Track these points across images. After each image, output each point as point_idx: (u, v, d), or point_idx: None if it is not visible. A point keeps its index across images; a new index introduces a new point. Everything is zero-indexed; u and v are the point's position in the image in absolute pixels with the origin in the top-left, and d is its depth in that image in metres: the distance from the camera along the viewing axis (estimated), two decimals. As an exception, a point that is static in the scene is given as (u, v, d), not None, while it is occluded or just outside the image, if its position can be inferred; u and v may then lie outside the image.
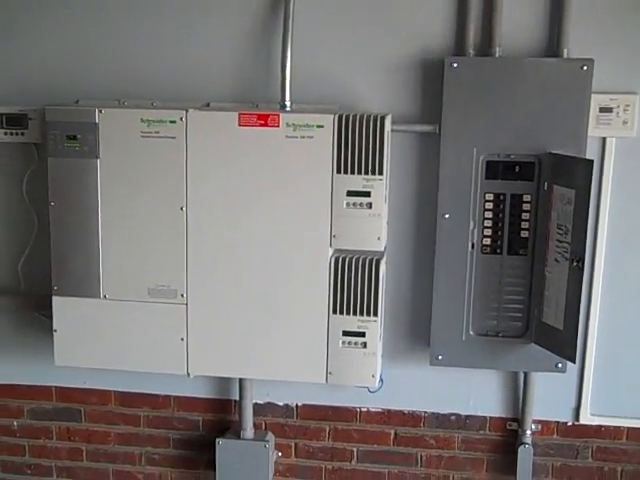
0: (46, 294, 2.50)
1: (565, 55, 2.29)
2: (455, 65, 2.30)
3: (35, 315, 2.69)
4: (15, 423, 2.90)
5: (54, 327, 2.48)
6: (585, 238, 2.17)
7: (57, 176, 2.38)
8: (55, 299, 2.46)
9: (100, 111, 2.32)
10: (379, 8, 2.40)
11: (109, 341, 2.47)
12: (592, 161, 2.13)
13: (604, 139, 2.36)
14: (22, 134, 2.57)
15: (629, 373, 2.53)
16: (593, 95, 2.26)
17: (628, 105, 2.30)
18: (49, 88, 2.57)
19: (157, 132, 2.31)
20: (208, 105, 2.48)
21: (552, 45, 2.33)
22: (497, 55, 2.33)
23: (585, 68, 2.23)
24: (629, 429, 2.57)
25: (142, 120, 2.31)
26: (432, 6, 2.38)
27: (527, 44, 2.34)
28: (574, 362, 2.27)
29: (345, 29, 2.42)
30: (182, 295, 2.40)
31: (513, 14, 2.33)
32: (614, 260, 2.45)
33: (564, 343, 2.27)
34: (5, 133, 2.58)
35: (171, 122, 2.30)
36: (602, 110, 2.31)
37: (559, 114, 2.27)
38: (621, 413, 2.56)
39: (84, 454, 2.89)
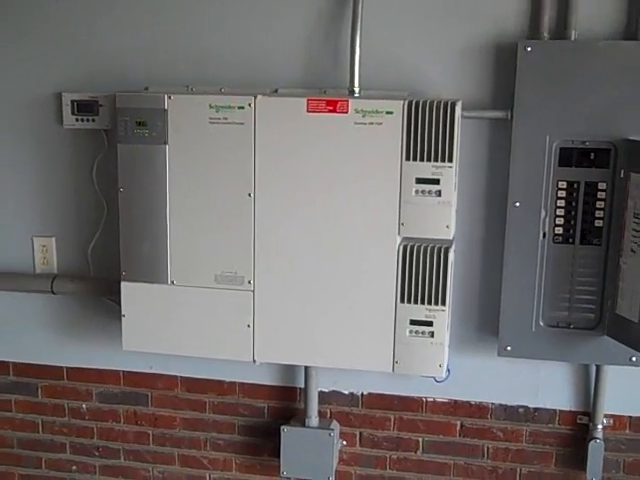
0: (115, 280, 2.53)
1: (643, 38, 2.22)
2: (529, 49, 2.24)
3: (104, 300, 2.74)
4: (84, 406, 2.94)
5: (122, 312, 2.51)
6: (663, 228, 2.11)
7: (126, 162, 2.40)
8: (124, 284, 2.49)
9: (169, 97, 2.33)
10: (450, -8, 2.36)
11: (176, 327, 2.49)
12: (672, 148, 2.06)
13: (684, 125, 2.28)
14: (92, 120, 2.59)
15: None
16: (674, 79, 2.19)
17: None
18: (119, 75, 2.58)
19: (225, 118, 2.31)
20: (276, 91, 2.46)
21: (630, 28, 2.25)
22: (573, 38, 2.26)
23: (665, 51, 2.17)
24: None
25: (210, 106, 2.31)
26: (505, -11, 2.33)
27: (604, 27, 2.27)
28: (649, 355, 2.22)
29: (415, 13, 2.38)
30: (249, 282, 2.40)
31: (589, -4, 2.27)
32: (693, 251, 2.37)
33: (639, 336, 2.21)
34: (76, 119, 2.61)
35: (239, 108, 2.30)
36: (683, 95, 2.23)
37: (636, 99, 2.20)
38: (696, 408, 2.49)
39: (150, 438, 2.93)
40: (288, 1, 2.46)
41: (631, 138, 2.21)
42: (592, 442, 2.52)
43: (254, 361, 2.46)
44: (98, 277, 2.75)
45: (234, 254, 2.40)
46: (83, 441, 2.98)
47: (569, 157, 2.29)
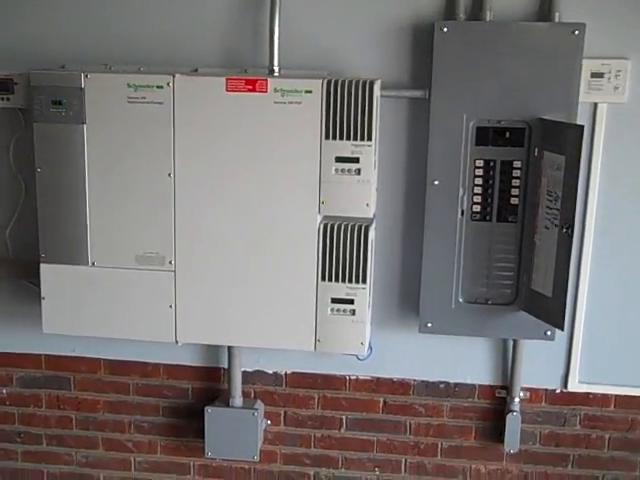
0: (34, 261, 2.48)
1: (556, 19, 2.27)
2: (445, 29, 2.27)
3: (23, 283, 2.68)
4: (4, 391, 2.89)
5: (42, 294, 2.47)
6: (575, 205, 2.16)
7: (43, 142, 2.36)
8: (43, 266, 2.45)
9: (86, 76, 2.29)
10: (369, -28, 2.37)
11: (97, 309, 2.46)
12: (582, 127, 2.12)
13: (595, 105, 2.34)
14: (8, 99, 2.53)
15: (617, 341, 2.53)
16: (584, 60, 2.23)
17: (619, 70, 2.28)
18: (36, 53, 2.53)
19: (144, 97, 2.28)
20: (196, 70, 2.44)
21: (543, 9, 2.30)
22: (488, 19, 2.30)
23: (576, 33, 2.21)
24: (616, 396, 2.58)
25: (129, 85, 2.28)
26: (422, -30, 2.35)
27: (518, 8, 2.31)
28: (562, 330, 2.28)
29: (335, -7, 2.40)
30: (170, 262, 2.39)
31: (505, -23, 2.31)
32: (604, 227, 2.44)
33: (553, 311, 2.27)
34: (-9, 98, 2.55)
35: (158, 87, 2.27)
36: (593, 75, 2.28)
37: (550, 79, 2.25)
38: (609, 381, 2.56)
39: (73, 422, 2.89)
40: (207, -21, 2.44)
41: (544, 117, 2.26)
42: (509, 415, 2.59)
43: (176, 342, 2.45)
44: (17, 259, 2.70)
45: (155, 234, 2.38)
46: (4, 427, 2.93)
47: (485, 136, 2.34)
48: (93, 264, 2.43)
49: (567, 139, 2.16)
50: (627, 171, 2.40)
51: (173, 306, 2.42)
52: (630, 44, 2.29)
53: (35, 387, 2.87)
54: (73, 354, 2.81)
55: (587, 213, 2.42)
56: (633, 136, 2.37)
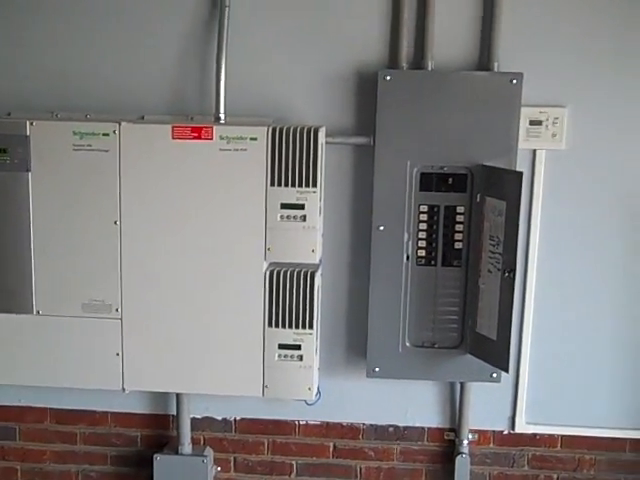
0: (-22, 310, 2.45)
1: (495, 69, 2.33)
2: (388, 78, 2.32)
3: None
4: (-53, 443, 2.84)
5: (-14, 344, 2.43)
6: (516, 249, 2.20)
7: (-13, 190, 2.35)
8: (-13, 315, 2.42)
9: (31, 123, 2.29)
10: (313, 22, 2.41)
11: (43, 357, 2.43)
12: (521, 173, 2.16)
13: (534, 151, 2.40)
14: (-49, 147, 2.51)
15: (562, 381, 2.56)
16: (523, 108, 2.30)
17: (557, 118, 2.35)
18: (-20, 100, 2.53)
19: (90, 145, 2.28)
20: (143, 118, 2.46)
21: (483, 59, 2.36)
22: (429, 68, 2.35)
23: (515, 82, 2.27)
24: (563, 436, 2.61)
25: (74, 133, 2.28)
26: (366, 20, 2.39)
27: (459, 57, 2.37)
28: (507, 372, 2.31)
29: (280, 42, 2.43)
30: (117, 310, 2.37)
31: (445, 28, 2.36)
32: (546, 270, 2.48)
33: (497, 353, 2.30)
34: None
35: (104, 135, 2.27)
36: (532, 123, 2.35)
37: (490, 127, 2.30)
38: (555, 421, 2.59)
39: (19, 473, 2.83)
40: (154, 28, 2.46)
41: (485, 164, 2.31)
42: (459, 457, 2.60)
43: (123, 389, 2.42)
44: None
45: (101, 282, 2.37)
46: (-53, 479, 2.87)
47: (429, 182, 2.38)
48: (38, 312, 2.40)
49: (507, 185, 2.21)
50: (567, 215, 2.45)
51: (120, 354, 2.40)
52: (566, 92, 2.36)
53: (-20, 438, 2.83)
54: (19, 404, 2.76)
55: (529, 257, 2.46)
56: (572, 181, 2.42)
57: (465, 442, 2.60)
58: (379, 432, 2.68)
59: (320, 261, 2.36)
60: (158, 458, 2.65)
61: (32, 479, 2.83)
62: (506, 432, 2.63)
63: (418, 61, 2.37)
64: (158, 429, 2.75)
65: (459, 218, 2.39)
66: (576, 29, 2.35)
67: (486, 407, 2.59)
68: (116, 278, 2.35)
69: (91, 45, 2.48)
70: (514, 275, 2.21)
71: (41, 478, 2.83)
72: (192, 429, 2.68)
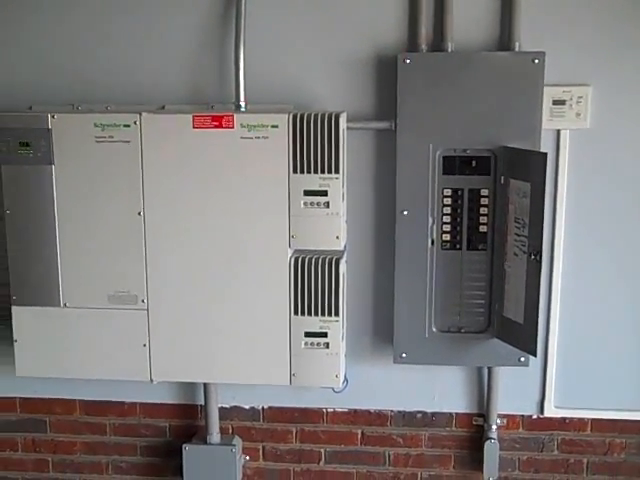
0: (5, 304, 2.46)
1: (517, 49, 2.30)
2: (408, 61, 2.30)
3: (-5, 325, 2.67)
4: (-21, 436, 2.87)
5: (14, 337, 2.45)
6: (542, 231, 2.17)
7: (11, 184, 2.36)
8: (14, 309, 2.44)
9: (52, 116, 2.30)
10: (331, 6, 2.40)
11: (71, 350, 2.45)
12: (546, 154, 2.13)
13: (558, 131, 2.37)
14: (-26, 142, 2.53)
15: (590, 365, 2.53)
16: (546, 88, 2.27)
17: (581, 97, 2.32)
18: (2, 95, 2.54)
19: (111, 136, 2.29)
20: (163, 108, 2.46)
21: (504, 39, 2.34)
22: (449, 50, 2.33)
23: (537, 61, 2.24)
24: (592, 420, 2.59)
25: (95, 125, 2.29)
26: (384, 3, 2.37)
27: (479, 39, 2.35)
28: (535, 355, 2.28)
29: (298, 28, 2.42)
30: (143, 301, 2.38)
31: (464, 9, 2.33)
32: (572, 252, 2.46)
33: (525, 337, 2.28)
34: (-43, 141, 2.55)
35: (125, 126, 2.28)
36: (555, 103, 2.32)
37: (513, 108, 2.27)
38: (584, 405, 2.57)
39: (50, 465, 2.86)
40: (172, 17, 2.46)
41: (509, 145, 2.28)
42: (487, 442, 2.59)
43: (151, 380, 2.43)
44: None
45: (126, 273, 2.37)
46: (-20, 472, 2.90)
47: (452, 165, 2.36)
48: (65, 305, 2.41)
49: (531, 166, 2.18)
50: (592, 195, 2.42)
51: (147, 344, 2.40)
52: (590, 71, 2.33)
53: (10, 431, 2.84)
54: (48, 396, 2.79)
55: (555, 239, 2.44)
56: (597, 161, 2.39)
57: (494, 427, 2.59)
58: (407, 418, 2.67)
59: (344, 247, 2.35)
60: (187, 448, 2.66)
61: (63, 470, 2.86)
62: (535, 416, 2.61)
63: (438, 43, 2.35)
64: (186, 419, 2.77)
65: (483, 201, 2.36)
66: (597, 6, 2.31)
67: (514, 392, 2.57)
68: (141, 269, 2.36)
69: (110, 37, 2.49)
70: (540, 258, 2.18)
71: (72, 469, 2.85)
72: (220, 418, 2.69)
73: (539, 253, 2.18)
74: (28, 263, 2.40)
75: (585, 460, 2.63)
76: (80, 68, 2.52)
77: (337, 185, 2.24)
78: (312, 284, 2.31)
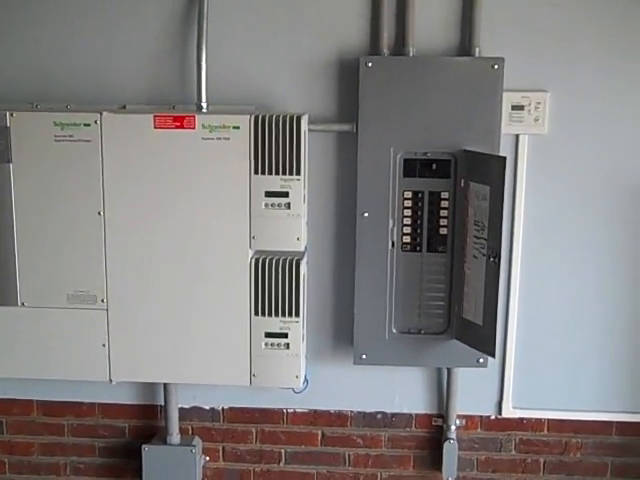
0: (-38, 303, 2.44)
1: (477, 54, 2.33)
2: (370, 64, 2.31)
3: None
4: None
5: (-29, 337, 2.42)
6: (500, 234, 2.20)
7: (-32, 182, 2.34)
8: (-29, 309, 2.41)
9: (11, 114, 2.27)
10: (294, 8, 2.40)
11: (29, 349, 2.43)
12: (505, 158, 2.16)
13: (517, 136, 2.40)
14: None
15: (548, 366, 2.57)
16: (505, 93, 2.30)
17: (539, 102, 2.35)
18: (-40, 92, 2.52)
19: (71, 135, 2.27)
20: (124, 107, 2.45)
21: (464, 44, 2.36)
22: (411, 54, 2.35)
23: (496, 67, 2.27)
24: (549, 420, 2.62)
25: (55, 123, 2.27)
26: (347, 6, 2.38)
27: (440, 44, 2.37)
28: (494, 357, 2.31)
29: (261, 29, 2.41)
30: (102, 300, 2.37)
31: (426, 14, 2.35)
32: (530, 254, 2.49)
33: (484, 338, 2.30)
34: None
35: (85, 125, 2.27)
36: (514, 108, 2.35)
37: (472, 112, 2.30)
38: (541, 405, 2.60)
39: (6, 466, 2.83)
40: (134, 16, 2.44)
41: (468, 149, 2.31)
42: (447, 443, 2.61)
43: (111, 380, 2.42)
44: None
45: (86, 273, 2.36)
46: None
47: (413, 168, 2.37)
48: (23, 304, 2.39)
49: (491, 170, 2.21)
50: (549, 198, 2.45)
51: (106, 345, 2.39)
52: (548, 77, 2.36)
53: (-34, 431, 2.82)
54: (5, 396, 2.75)
55: (514, 241, 2.47)
56: (554, 165, 2.43)
57: (453, 428, 2.61)
58: (367, 419, 2.68)
59: (305, 249, 2.36)
60: (146, 449, 2.65)
61: (20, 472, 2.82)
62: (493, 417, 2.64)
63: (399, 47, 2.37)
64: (146, 420, 2.75)
65: (443, 204, 2.38)
66: (557, 13, 2.34)
67: (473, 392, 2.59)
68: (101, 269, 2.35)
69: (70, 34, 2.47)
70: (499, 260, 2.21)
71: (29, 471, 2.82)
72: (180, 419, 2.68)
73: (498, 255, 2.21)
74: (-15, 262, 2.38)
75: (542, 460, 2.66)
76: (40, 66, 2.49)
77: (298, 186, 2.25)
78: (273, 285, 2.31)
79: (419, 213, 2.40)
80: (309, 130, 2.31)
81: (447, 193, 2.38)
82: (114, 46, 2.46)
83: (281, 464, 2.74)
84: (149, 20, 2.44)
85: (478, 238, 2.29)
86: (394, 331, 2.47)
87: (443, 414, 2.63)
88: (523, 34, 2.35)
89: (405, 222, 2.41)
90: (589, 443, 2.65)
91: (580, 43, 2.35)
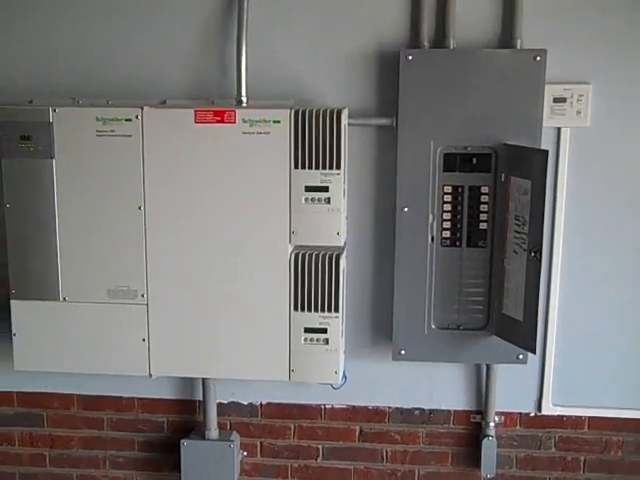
0: (5, 297, 2.46)
1: (518, 46, 2.31)
2: (410, 57, 2.30)
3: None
4: (-25, 430, 2.86)
5: (13, 331, 2.44)
6: (542, 229, 2.18)
7: (12, 177, 2.35)
8: (13, 302, 2.43)
9: (54, 110, 2.29)
10: (334, 2, 2.40)
11: (69, 344, 2.44)
12: (547, 151, 2.14)
13: (559, 129, 2.38)
14: (-26, 135, 2.53)
15: (588, 363, 2.54)
16: (547, 86, 2.27)
17: (581, 95, 2.32)
18: (2, 88, 2.54)
19: (113, 130, 2.28)
20: (164, 102, 2.46)
21: (505, 36, 2.34)
22: (451, 47, 2.34)
23: (538, 59, 2.25)
24: (590, 418, 2.59)
25: (97, 119, 2.28)
26: (387, -1, 2.39)
27: (481, 36, 2.35)
28: (534, 353, 2.28)
29: (300, 23, 2.42)
30: (142, 295, 2.38)
31: (466, 6, 2.34)
32: (572, 250, 2.47)
33: (524, 334, 2.28)
34: (-43, 134, 2.54)
35: (126, 120, 2.27)
36: (556, 100, 2.33)
37: (514, 105, 2.28)
38: (582, 403, 2.58)
39: (47, 459, 2.86)
40: (174, 12, 2.46)
41: (509, 143, 2.29)
42: (485, 440, 2.59)
43: (150, 375, 2.43)
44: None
45: (126, 268, 2.37)
46: (-24, 467, 2.90)
47: (453, 162, 2.36)
48: (64, 299, 2.41)
49: (532, 164, 2.19)
50: (592, 193, 2.43)
51: (146, 339, 2.40)
52: (590, 69, 2.34)
53: (7, 425, 2.84)
54: (45, 390, 2.78)
55: (555, 236, 2.45)
56: (596, 159, 2.40)
57: (491, 424, 2.59)
58: (405, 415, 2.67)
59: (345, 243, 2.36)
60: (185, 443, 2.66)
61: (61, 465, 2.85)
62: (533, 414, 2.62)
63: (440, 40, 2.36)
64: (185, 414, 2.76)
65: (484, 198, 2.37)
66: (599, 4, 2.32)
67: (512, 389, 2.58)
68: (141, 263, 2.35)
69: (110, 30, 2.49)
70: (540, 255, 2.19)
71: (69, 464, 2.85)
72: (218, 414, 2.69)
73: (539, 251, 2.19)
74: (27, 257, 2.39)
75: (582, 458, 2.64)
76: (81, 61, 2.51)
77: (338, 181, 2.24)
78: (312, 280, 2.31)
79: (459, 208, 2.39)
80: (349, 124, 2.31)
81: (487, 187, 2.36)
82: (154, 41, 2.48)
83: (318, 460, 2.75)
84: (189, 15, 2.45)
85: (519, 233, 2.27)
86: (433, 327, 2.46)
87: (482, 411, 2.62)
88: (565, 26, 2.32)
89: (445, 217, 2.40)
90: (630, 441, 2.62)
91: (623, 35, 2.33)
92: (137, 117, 2.27)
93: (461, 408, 2.65)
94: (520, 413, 2.62)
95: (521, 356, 2.43)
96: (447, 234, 2.41)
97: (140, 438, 2.81)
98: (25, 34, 2.52)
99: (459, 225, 2.40)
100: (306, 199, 2.26)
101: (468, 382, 2.62)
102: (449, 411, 2.66)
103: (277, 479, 2.78)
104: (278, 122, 2.22)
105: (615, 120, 2.37)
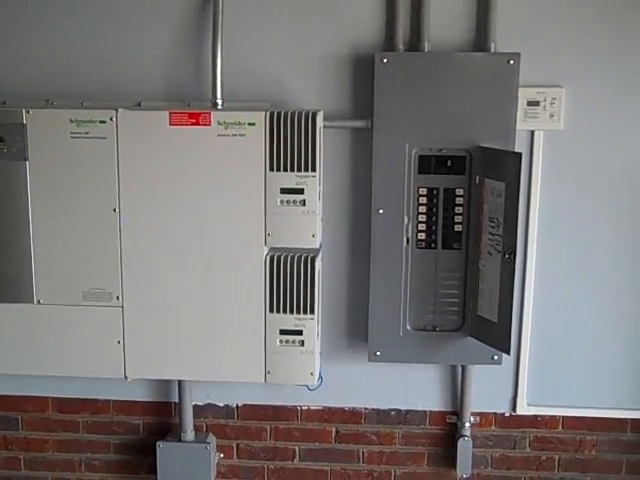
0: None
1: (492, 49, 2.32)
2: (385, 60, 2.31)
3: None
4: (-50, 433, 2.84)
5: (-13, 334, 2.43)
6: (516, 230, 2.20)
7: (-15, 179, 2.34)
8: (-13, 305, 2.42)
9: (27, 112, 2.28)
10: (309, 4, 2.40)
11: (44, 346, 2.43)
12: (520, 154, 2.16)
13: (532, 132, 2.39)
14: (-52, 137, 2.51)
15: (563, 363, 2.56)
16: (520, 89, 2.29)
17: (554, 98, 2.34)
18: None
19: (87, 132, 2.28)
20: (139, 104, 2.45)
21: (480, 40, 2.35)
22: (426, 50, 2.35)
23: (512, 62, 2.26)
24: (564, 418, 2.62)
25: (71, 120, 2.27)
26: (362, 2, 2.38)
27: (455, 39, 2.37)
28: (509, 354, 2.30)
29: (275, 25, 2.42)
30: (117, 298, 2.37)
31: (441, 10, 2.35)
32: (545, 251, 2.48)
33: (499, 335, 2.30)
34: None
35: (101, 122, 2.27)
36: (530, 104, 2.34)
37: (488, 108, 2.29)
38: (556, 402, 2.60)
39: (22, 463, 2.84)
40: (149, 14, 2.45)
41: (484, 145, 2.30)
42: (461, 440, 2.61)
43: (126, 377, 2.42)
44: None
45: (101, 270, 2.36)
46: (-50, 470, 2.87)
47: (428, 164, 2.37)
48: (39, 302, 2.40)
49: (506, 166, 2.20)
50: (565, 195, 2.45)
51: (121, 342, 2.40)
52: (564, 72, 2.36)
53: (-19, 428, 2.83)
54: (20, 393, 2.76)
55: (529, 238, 2.46)
56: (569, 161, 2.42)
57: (467, 425, 2.61)
58: (381, 416, 2.68)
59: (320, 246, 2.36)
60: (161, 445, 2.65)
61: (35, 468, 2.83)
62: (507, 414, 2.63)
63: (414, 43, 2.37)
64: (160, 417, 2.76)
65: (458, 200, 2.38)
66: (573, 8, 2.34)
67: (487, 389, 2.59)
68: (116, 266, 2.35)
69: (85, 32, 2.47)
70: (514, 257, 2.20)
71: (44, 467, 2.83)
72: (194, 416, 2.69)
73: (513, 252, 2.21)
74: (1, 259, 2.38)
75: (557, 457, 2.66)
76: (55, 63, 2.50)
77: (314, 183, 2.25)
78: (287, 282, 2.31)
79: (434, 210, 2.40)
80: (324, 126, 2.31)
81: (462, 190, 2.37)
82: (129, 43, 2.46)
83: (295, 461, 2.75)
84: (164, 17, 2.44)
85: (493, 235, 2.29)
86: (408, 328, 2.47)
87: (457, 411, 2.63)
88: (538, 29, 2.34)
89: (420, 219, 2.41)
90: (604, 440, 2.64)
91: (595, 39, 2.34)
92: (112, 119, 2.26)
93: (437, 409, 2.66)
94: (495, 413, 2.64)
95: (496, 357, 2.44)
96: (422, 236, 2.42)
97: (116, 440, 2.79)
98: (-2, 34, 2.51)
99: (434, 227, 2.41)
100: (281, 201, 2.26)
101: (444, 383, 2.64)
102: (425, 412, 2.67)
103: (254, 480, 2.79)
104: (253, 124, 2.23)
105: (588, 123, 2.39)
